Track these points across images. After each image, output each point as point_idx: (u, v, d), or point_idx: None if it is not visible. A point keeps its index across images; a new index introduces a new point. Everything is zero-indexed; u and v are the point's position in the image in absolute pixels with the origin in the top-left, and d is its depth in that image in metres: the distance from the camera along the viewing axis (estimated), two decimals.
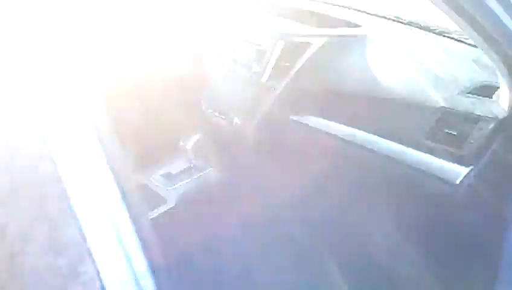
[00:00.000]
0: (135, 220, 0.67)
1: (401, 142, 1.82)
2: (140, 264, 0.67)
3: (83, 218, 0.61)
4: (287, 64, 2.08)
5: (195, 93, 2.35)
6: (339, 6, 2.27)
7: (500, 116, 1.61)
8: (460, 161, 1.68)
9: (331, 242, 2.01)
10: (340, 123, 1.98)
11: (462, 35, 1.85)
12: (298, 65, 2.06)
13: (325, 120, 2.03)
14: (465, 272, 1.78)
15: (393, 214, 1.79)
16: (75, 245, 0.60)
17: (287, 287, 1.95)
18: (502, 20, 1.38)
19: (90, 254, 0.61)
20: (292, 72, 2.07)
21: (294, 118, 2.11)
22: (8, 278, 0.56)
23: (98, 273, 0.62)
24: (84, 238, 0.61)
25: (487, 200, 1.65)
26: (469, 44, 1.81)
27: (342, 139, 1.96)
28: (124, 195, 0.65)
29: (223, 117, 2.26)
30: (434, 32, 1.98)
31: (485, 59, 1.67)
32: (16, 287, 0.57)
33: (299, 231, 2.08)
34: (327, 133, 2.01)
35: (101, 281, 0.62)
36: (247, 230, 2.05)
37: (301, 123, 2.09)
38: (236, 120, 2.21)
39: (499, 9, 1.36)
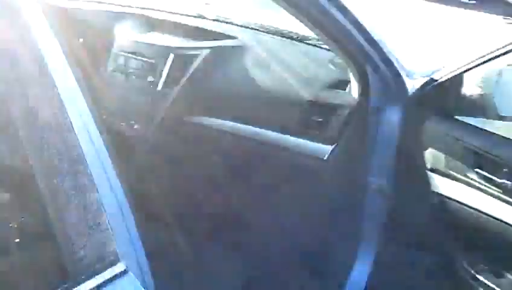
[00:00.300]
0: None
1: (279, 131, 2.22)
2: (127, 211, 0.99)
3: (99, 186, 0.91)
4: (178, 73, 2.41)
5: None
6: (217, 21, 2.63)
7: (353, 103, 2.06)
8: (326, 141, 2.11)
9: (226, 222, 2.35)
10: (227, 120, 2.34)
11: (319, 41, 2.29)
12: (188, 74, 2.40)
13: (215, 119, 2.38)
14: (335, 232, 2.20)
15: (278, 188, 2.18)
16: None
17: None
18: (348, 29, 1.80)
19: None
20: (183, 80, 2.40)
21: (188, 119, 2.44)
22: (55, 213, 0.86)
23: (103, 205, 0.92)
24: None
25: (349, 169, 2.09)
26: (325, 48, 2.25)
27: (231, 133, 2.33)
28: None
29: (123, 124, 2.53)
30: (296, 40, 2.41)
31: (338, 59, 2.12)
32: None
33: (201, 225, 2.39)
34: (217, 129, 2.36)
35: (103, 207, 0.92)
36: (153, 230, 2.32)
37: (194, 123, 2.42)
38: (136, 126, 2.49)
39: (344, 20, 1.78)
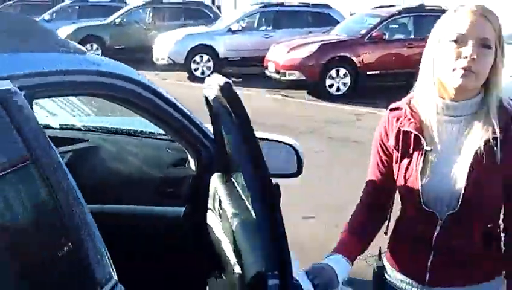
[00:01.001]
0: None
1: (143, 204, 2.95)
2: None
3: None
4: None
5: None
6: (63, 129, 3.28)
7: (193, 174, 2.90)
8: (180, 204, 2.90)
9: None
10: (100, 204, 2.99)
11: (152, 134, 3.10)
12: None
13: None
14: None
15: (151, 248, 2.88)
16: None
17: None
18: (184, 122, 2.64)
19: None
20: None
21: None
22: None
23: None
24: None
25: (199, 221, 2.90)
26: (159, 138, 3.06)
27: (106, 214, 2.97)
28: None
29: None
30: (134, 135, 3.20)
31: (176, 145, 2.95)
32: None
33: None
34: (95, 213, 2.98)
35: None
36: None
37: None
38: None
39: (178, 116, 2.62)
